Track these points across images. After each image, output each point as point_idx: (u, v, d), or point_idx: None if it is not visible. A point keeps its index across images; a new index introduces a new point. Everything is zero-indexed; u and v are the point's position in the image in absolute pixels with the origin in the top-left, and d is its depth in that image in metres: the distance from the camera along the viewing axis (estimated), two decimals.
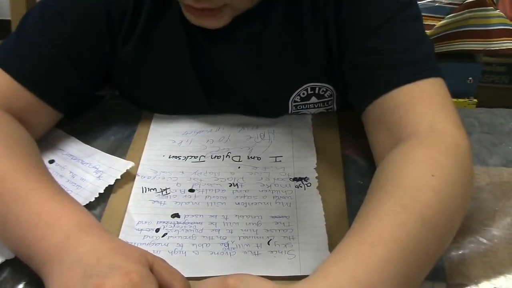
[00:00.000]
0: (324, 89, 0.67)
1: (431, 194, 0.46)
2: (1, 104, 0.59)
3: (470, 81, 1.47)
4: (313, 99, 0.68)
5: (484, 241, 0.53)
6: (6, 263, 0.51)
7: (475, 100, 1.48)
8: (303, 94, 0.67)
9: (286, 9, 0.62)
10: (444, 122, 0.54)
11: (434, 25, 1.39)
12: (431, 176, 0.47)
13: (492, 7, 1.36)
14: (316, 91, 0.67)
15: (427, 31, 1.39)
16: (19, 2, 1.91)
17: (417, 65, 0.58)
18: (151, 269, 0.46)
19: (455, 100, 1.51)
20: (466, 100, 1.48)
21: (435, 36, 1.41)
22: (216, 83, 0.67)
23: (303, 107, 0.69)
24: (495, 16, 1.37)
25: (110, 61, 0.66)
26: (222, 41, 0.63)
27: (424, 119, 0.54)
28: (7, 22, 1.96)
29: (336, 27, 0.62)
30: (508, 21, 1.38)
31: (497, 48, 1.40)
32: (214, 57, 0.65)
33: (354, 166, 0.63)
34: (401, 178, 0.48)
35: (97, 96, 0.74)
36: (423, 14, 1.51)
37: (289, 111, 0.69)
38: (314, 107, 0.69)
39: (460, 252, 0.52)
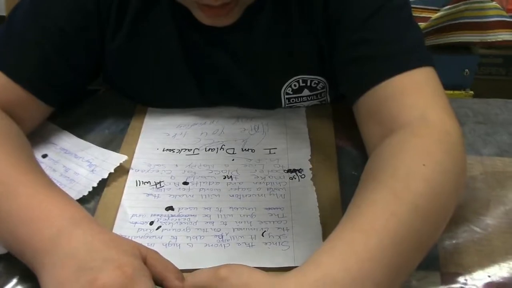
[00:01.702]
0: (316, 82, 0.67)
1: (423, 183, 0.46)
2: None
3: (467, 73, 1.47)
4: (306, 92, 0.68)
5: (478, 230, 0.53)
6: None
7: (472, 92, 1.48)
8: (295, 86, 0.67)
9: (275, 2, 0.62)
10: (435, 111, 0.54)
11: (430, 17, 1.39)
12: (423, 165, 0.47)
13: None
14: (308, 84, 0.67)
15: (423, 23, 1.39)
16: None
17: (407, 55, 0.58)
18: (145, 262, 0.46)
19: (451, 92, 1.52)
20: (463, 92, 1.48)
21: (431, 28, 1.41)
22: (208, 77, 0.67)
23: (296, 100, 0.69)
24: (491, 8, 1.37)
25: (100, 55, 0.66)
26: (213, 35, 0.63)
27: (415, 109, 0.54)
28: (2, 18, 1.96)
29: (324, 20, 0.61)
30: (504, 13, 1.38)
31: (493, 40, 1.40)
32: (205, 51, 0.65)
33: (348, 157, 0.63)
34: (392, 168, 0.48)
35: (90, 89, 0.74)
36: (419, 6, 1.51)
37: (283, 105, 0.69)
38: (307, 100, 0.69)
39: (454, 242, 0.52)
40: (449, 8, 1.37)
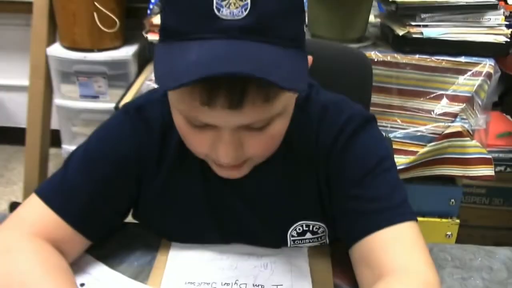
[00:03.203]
0: (317, 227, 0.79)
1: None
2: (42, 234, 0.70)
3: (452, 203, 1.59)
4: (308, 235, 0.79)
5: None
6: None
7: (458, 220, 1.60)
8: (299, 229, 0.79)
9: (283, 159, 0.75)
10: (417, 262, 0.65)
11: (417, 151, 1.54)
12: None
13: (468, 138, 1.52)
14: (310, 228, 0.79)
15: (411, 157, 1.54)
16: (36, 113, 2.07)
17: (394, 211, 0.70)
18: None
19: (439, 220, 1.64)
20: (449, 220, 1.59)
21: (419, 162, 1.55)
22: (226, 221, 0.78)
23: (300, 241, 0.80)
24: (472, 146, 1.52)
25: (137, 198, 0.78)
26: (232, 186, 0.75)
27: (399, 259, 0.65)
28: (22, 130, 2.11)
29: (325, 178, 0.74)
30: (484, 150, 1.53)
31: (475, 175, 1.54)
32: (225, 200, 0.77)
33: None
34: None
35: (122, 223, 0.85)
36: (407, 141, 1.68)
37: (288, 245, 0.80)
38: (310, 242, 0.80)
39: None
40: (434, 145, 1.53)
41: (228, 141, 0.62)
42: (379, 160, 0.72)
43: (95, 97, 2.02)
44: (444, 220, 1.59)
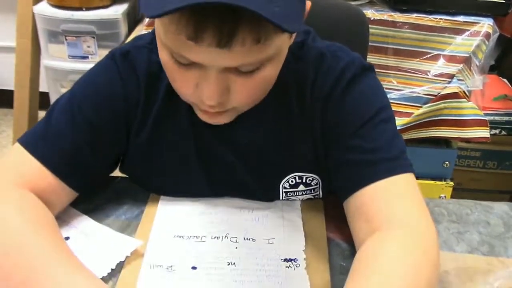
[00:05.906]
0: (311, 178, 0.77)
1: (401, 278, 0.55)
2: (26, 184, 0.67)
3: (447, 165, 1.58)
4: (301, 187, 0.77)
5: None
6: None
7: (452, 183, 1.59)
8: (292, 181, 0.76)
9: (276, 108, 0.72)
10: (414, 214, 0.63)
11: (413, 113, 1.51)
12: (402, 264, 0.56)
13: (465, 99, 1.49)
14: (304, 180, 0.76)
15: (407, 118, 1.52)
16: (24, 74, 2.03)
17: (392, 162, 0.67)
18: None
19: (432, 182, 1.62)
20: (443, 183, 1.58)
21: (414, 123, 1.53)
22: (216, 171, 0.76)
23: (293, 194, 0.78)
24: (468, 108, 1.50)
25: (124, 148, 0.75)
26: (222, 136, 0.72)
27: (396, 211, 0.63)
28: (10, 92, 2.07)
29: (321, 128, 0.72)
30: (479, 112, 1.51)
31: (470, 136, 1.52)
32: (214, 149, 0.74)
33: (337, 248, 0.71)
34: (376, 265, 0.57)
35: (109, 177, 0.82)
36: (403, 103, 1.65)
37: (281, 198, 0.78)
38: (303, 194, 0.78)
39: None
40: (430, 106, 1.50)
41: (213, 82, 0.59)
42: (378, 110, 0.70)
43: (84, 57, 1.97)
44: (438, 182, 1.57)
